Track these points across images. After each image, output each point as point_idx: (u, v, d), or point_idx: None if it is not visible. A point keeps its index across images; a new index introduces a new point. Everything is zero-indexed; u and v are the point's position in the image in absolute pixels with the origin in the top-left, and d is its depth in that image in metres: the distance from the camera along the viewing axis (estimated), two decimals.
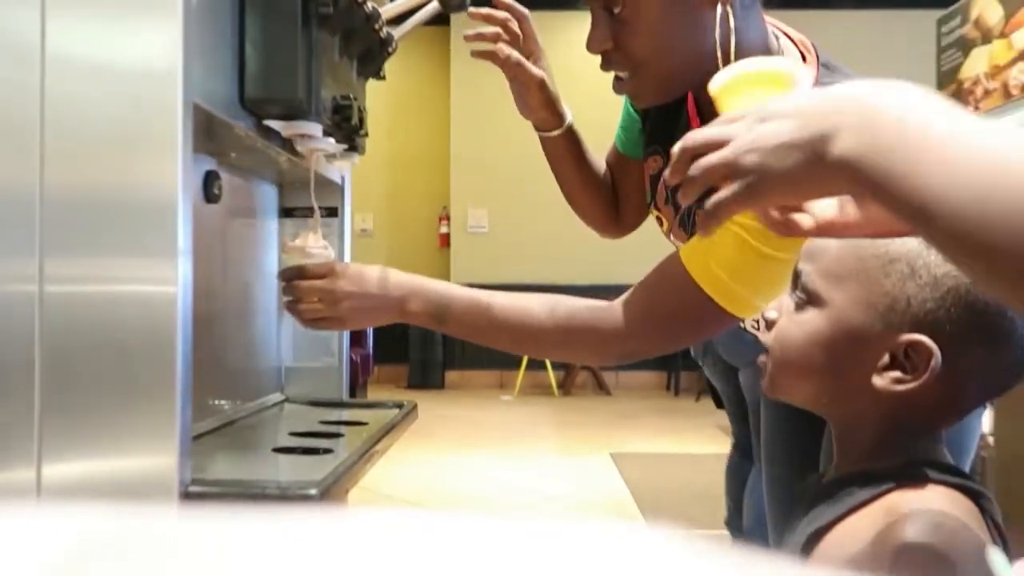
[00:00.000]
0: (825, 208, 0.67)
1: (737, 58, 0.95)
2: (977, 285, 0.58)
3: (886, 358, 0.71)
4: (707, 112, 1.06)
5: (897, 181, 0.51)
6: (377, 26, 1.23)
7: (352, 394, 1.61)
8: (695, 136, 0.62)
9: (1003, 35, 3.58)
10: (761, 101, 0.62)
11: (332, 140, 1.18)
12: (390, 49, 1.32)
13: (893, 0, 7.02)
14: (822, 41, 1.10)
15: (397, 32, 1.33)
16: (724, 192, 0.59)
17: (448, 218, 7.56)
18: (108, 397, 0.83)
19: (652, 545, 0.20)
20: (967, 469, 1.04)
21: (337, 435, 1.25)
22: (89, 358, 0.84)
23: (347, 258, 1.59)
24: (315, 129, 1.11)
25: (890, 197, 0.51)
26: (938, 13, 3.99)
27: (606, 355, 1.09)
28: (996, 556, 0.53)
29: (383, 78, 1.39)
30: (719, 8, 0.99)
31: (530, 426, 5.59)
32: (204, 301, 1.23)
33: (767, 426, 1.23)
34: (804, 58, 1.07)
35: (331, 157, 1.29)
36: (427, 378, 7.15)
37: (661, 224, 1.21)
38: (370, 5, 1.18)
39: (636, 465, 4.16)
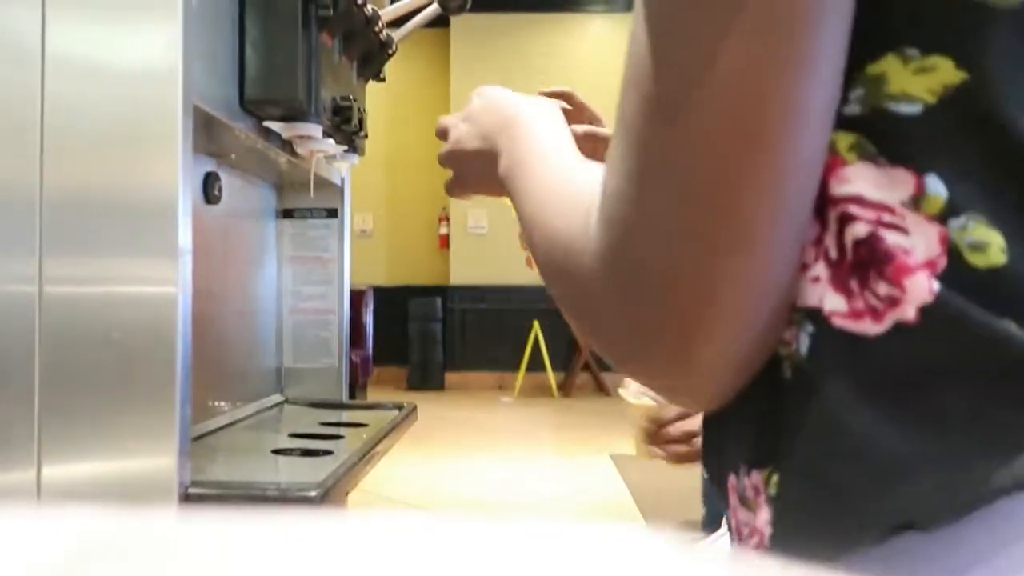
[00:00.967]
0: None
1: None
2: None
3: None
4: None
5: (518, 203, 0.60)
6: (377, 28, 1.23)
7: (352, 395, 1.61)
8: (438, 122, 0.82)
9: None
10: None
11: (332, 141, 1.18)
12: (390, 51, 1.32)
13: None
14: None
15: (397, 34, 1.33)
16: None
17: (448, 219, 7.57)
18: (108, 398, 0.83)
19: (653, 548, 0.20)
20: None
21: (337, 437, 1.25)
22: (89, 358, 0.84)
23: (347, 258, 1.59)
24: (315, 130, 1.11)
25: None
26: None
27: None
28: None
29: (383, 80, 1.39)
30: None
31: (530, 428, 5.59)
32: (204, 302, 1.23)
33: None
34: None
35: (331, 158, 1.29)
36: (427, 379, 7.15)
37: None
38: (370, 7, 1.19)
39: (636, 467, 4.16)
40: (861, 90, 0.39)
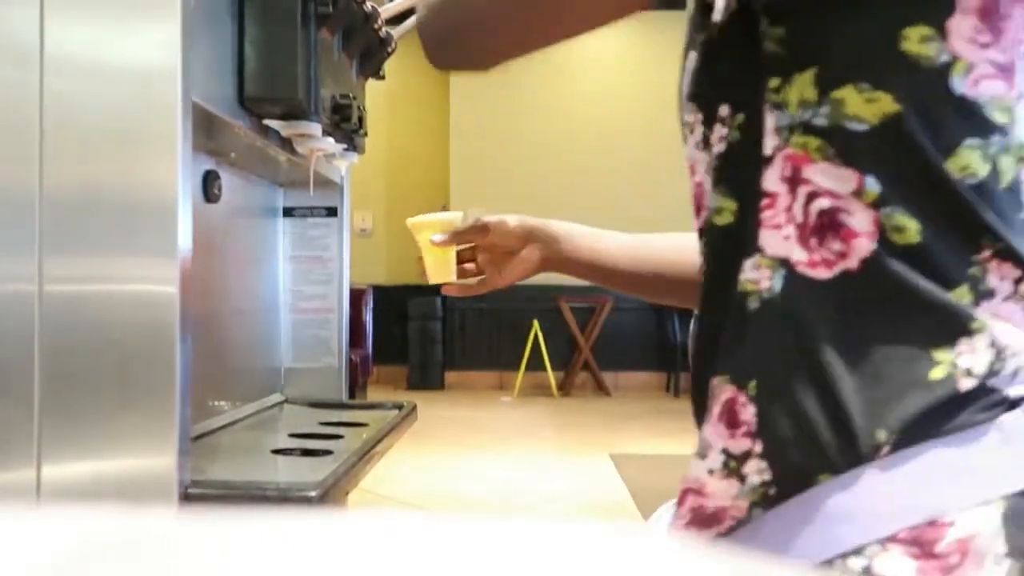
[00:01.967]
0: None
1: None
2: None
3: None
4: None
5: None
6: (376, 26, 1.23)
7: (352, 395, 1.62)
8: None
9: None
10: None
11: (331, 140, 1.18)
12: (390, 49, 1.32)
13: None
14: None
15: (397, 32, 1.33)
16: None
17: None
18: (107, 397, 0.83)
19: (652, 546, 0.20)
20: None
21: (337, 436, 1.25)
22: (88, 358, 0.84)
23: (347, 258, 1.59)
24: (315, 129, 1.11)
25: None
26: None
27: None
28: None
29: (383, 78, 1.39)
30: None
31: (530, 427, 5.59)
32: (203, 301, 1.23)
33: None
34: None
35: (330, 157, 1.29)
36: (427, 379, 7.15)
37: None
38: (369, 4, 1.18)
39: (636, 466, 4.16)
40: (827, 108, 0.55)
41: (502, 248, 1.02)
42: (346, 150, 1.29)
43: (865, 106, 0.54)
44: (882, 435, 0.51)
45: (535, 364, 7.02)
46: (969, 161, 0.53)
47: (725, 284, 0.59)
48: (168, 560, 0.18)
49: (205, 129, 1.01)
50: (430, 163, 7.65)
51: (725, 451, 0.57)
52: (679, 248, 0.98)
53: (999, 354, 0.52)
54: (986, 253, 0.53)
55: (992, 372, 0.52)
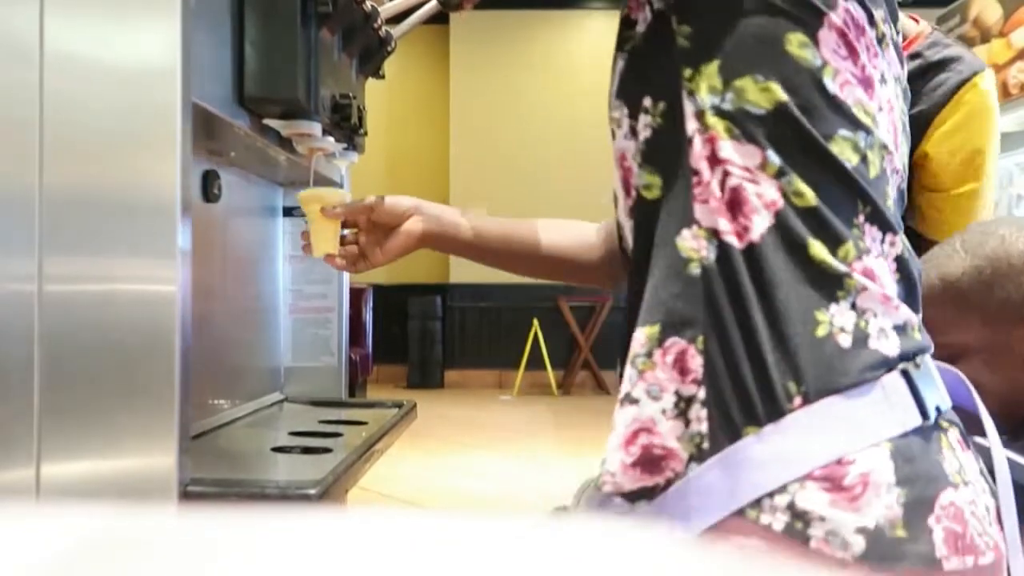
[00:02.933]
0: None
1: None
2: None
3: None
4: None
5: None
6: (376, 25, 1.23)
7: (351, 394, 1.62)
8: None
9: (1002, 34, 3.59)
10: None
11: (331, 139, 1.18)
12: (389, 48, 1.32)
13: None
14: None
15: (396, 31, 1.33)
16: None
17: None
18: (107, 397, 0.83)
19: (652, 544, 0.20)
20: None
21: (336, 435, 1.25)
22: (88, 358, 0.84)
23: None
24: (314, 128, 1.11)
25: None
26: (937, 12, 3.99)
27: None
28: None
29: (382, 77, 1.39)
30: None
31: (529, 426, 5.59)
32: (203, 301, 1.23)
33: None
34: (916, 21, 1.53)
35: (330, 156, 1.29)
36: (426, 378, 7.15)
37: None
38: (369, 4, 1.18)
39: None
40: (731, 95, 0.66)
41: (389, 226, 1.04)
42: (346, 149, 1.29)
43: (760, 94, 0.65)
44: (792, 387, 0.62)
45: (535, 363, 7.02)
46: (843, 148, 0.66)
47: (653, 248, 0.70)
48: (168, 559, 0.18)
49: (205, 129, 1.01)
50: (430, 163, 7.65)
51: (677, 393, 0.66)
52: (566, 233, 1.07)
53: (861, 315, 0.64)
54: (861, 217, 0.66)
55: (864, 333, 0.64)
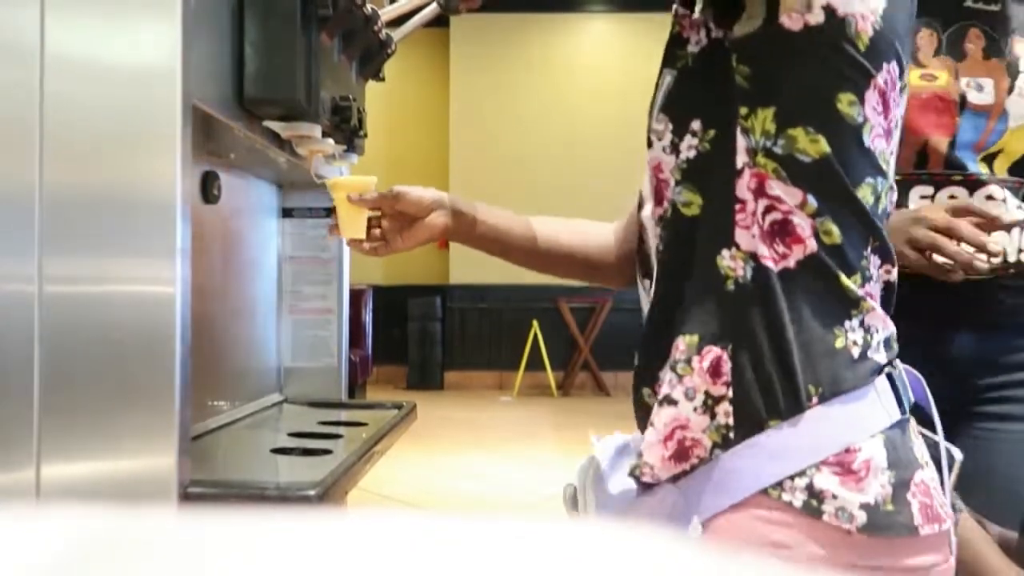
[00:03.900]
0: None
1: None
2: None
3: None
4: None
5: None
6: (376, 28, 1.23)
7: (351, 395, 1.61)
8: None
9: None
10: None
11: (331, 141, 1.18)
12: (389, 51, 1.32)
13: None
14: None
15: (396, 34, 1.33)
16: None
17: None
18: (107, 397, 0.83)
19: (652, 545, 0.20)
20: None
21: (336, 436, 1.25)
22: (88, 358, 0.84)
23: (346, 259, 1.59)
24: (314, 130, 1.11)
25: None
26: None
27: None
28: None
29: (382, 79, 1.39)
30: None
31: (529, 427, 5.59)
32: (203, 301, 1.23)
33: None
34: None
35: (330, 158, 1.29)
36: (426, 379, 7.15)
37: None
38: (369, 7, 1.19)
39: None
40: (783, 141, 0.75)
41: (412, 216, 1.07)
42: (346, 151, 1.29)
43: (810, 145, 0.75)
44: (812, 389, 0.75)
45: (535, 364, 7.02)
46: (866, 193, 0.76)
47: (690, 261, 0.80)
48: (168, 560, 0.18)
49: (204, 130, 1.01)
50: (429, 165, 7.65)
51: (707, 393, 0.77)
52: (582, 232, 1.11)
53: (868, 331, 0.77)
54: (869, 249, 0.78)
55: (868, 345, 0.77)
